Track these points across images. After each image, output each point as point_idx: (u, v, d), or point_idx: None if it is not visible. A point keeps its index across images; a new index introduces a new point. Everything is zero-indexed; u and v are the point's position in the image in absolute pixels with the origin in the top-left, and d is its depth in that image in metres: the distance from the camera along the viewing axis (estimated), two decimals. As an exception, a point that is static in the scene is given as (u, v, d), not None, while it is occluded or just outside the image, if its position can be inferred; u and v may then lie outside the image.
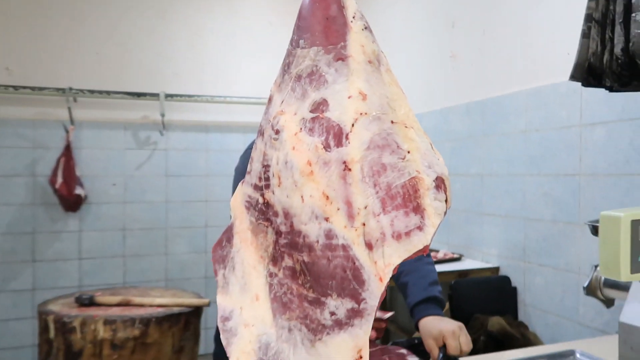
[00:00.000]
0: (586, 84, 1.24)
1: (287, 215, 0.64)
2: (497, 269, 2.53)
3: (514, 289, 2.41)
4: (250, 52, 3.72)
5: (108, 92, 3.31)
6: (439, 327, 1.23)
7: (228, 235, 0.74)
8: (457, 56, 2.88)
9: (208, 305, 2.20)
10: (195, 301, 2.17)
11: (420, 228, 0.59)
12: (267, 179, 0.67)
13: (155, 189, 3.53)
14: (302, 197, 0.62)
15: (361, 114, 0.63)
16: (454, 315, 2.38)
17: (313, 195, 0.61)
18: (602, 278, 1.19)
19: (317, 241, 0.61)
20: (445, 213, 0.61)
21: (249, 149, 1.19)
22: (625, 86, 1.15)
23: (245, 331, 0.66)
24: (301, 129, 0.65)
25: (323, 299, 0.60)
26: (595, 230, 1.19)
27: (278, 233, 0.65)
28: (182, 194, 3.59)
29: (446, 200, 0.61)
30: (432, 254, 2.81)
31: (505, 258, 2.49)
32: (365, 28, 0.67)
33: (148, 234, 3.51)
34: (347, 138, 0.62)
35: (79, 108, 3.35)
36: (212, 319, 3.47)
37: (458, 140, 2.86)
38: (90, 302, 2.07)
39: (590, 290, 1.20)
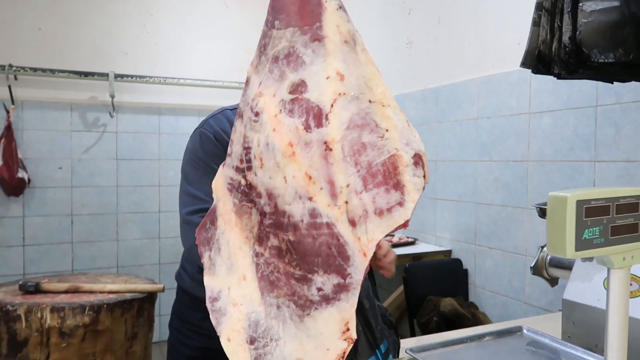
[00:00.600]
0: (536, 71, 1.29)
1: (270, 196, 0.65)
2: (449, 252, 2.62)
3: (465, 271, 2.50)
4: (205, 34, 3.63)
5: (52, 71, 3.15)
6: None
7: (212, 217, 0.74)
8: (412, 43, 2.92)
9: (162, 290, 2.16)
10: (148, 287, 2.12)
11: (400, 204, 0.61)
12: (249, 160, 0.68)
13: (104, 173, 3.41)
14: (284, 177, 0.63)
15: (339, 94, 0.64)
16: (408, 297, 2.45)
17: (296, 175, 0.63)
18: (548, 258, 1.25)
19: (302, 220, 0.62)
20: (423, 188, 0.63)
21: (198, 128, 1.16)
22: (572, 74, 1.20)
23: (234, 310, 0.67)
24: (281, 110, 0.65)
25: (310, 275, 0.61)
26: (542, 213, 1.25)
27: (262, 214, 0.66)
28: (134, 178, 3.48)
29: (424, 176, 0.62)
30: (387, 238, 2.87)
31: (458, 241, 2.58)
32: (340, 8, 0.67)
33: (98, 219, 3.40)
34: (326, 118, 0.63)
35: (21, 87, 3.17)
36: (166, 306, 3.41)
37: (414, 126, 2.91)
38: (36, 290, 1.98)
39: (536, 270, 1.26)
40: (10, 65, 3.05)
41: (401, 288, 2.60)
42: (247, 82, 0.73)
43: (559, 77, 1.23)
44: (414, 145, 0.63)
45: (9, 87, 3.08)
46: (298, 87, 0.65)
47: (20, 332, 1.82)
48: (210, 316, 0.70)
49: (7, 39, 3.15)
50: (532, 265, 1.26)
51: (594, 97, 1.82)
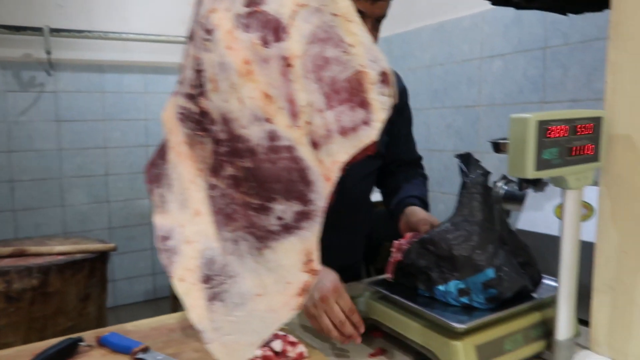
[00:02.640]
0: (495, 2, 1.26)
1: (225, 121, 0.60)
2: (404, 201, 2.65)
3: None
4: (145, -16, 3.41)
5: (-22, 26, 2.90)
6: (424, 217, 1.16)
7: (161, 152, 0.69)
8: (364, -8, 2.86)
9: (114, 249, 2.08)
10: (100, 246, 2.04)
11: (366, 122, 0.58)
12: (202, 85, 0.62)
13: (45, 136, 3.21)
14: (241, 99, 0.58)
15: (300, 5, 0.59)
16: (364, 245, 2.49)
17: (253, 95, 0.58)
18: (502, 193, 1.28)
19: (260, 144, 0.58)
20: (391, 108, 0.60)
21: None
22: (532, 2, 1.18)
23: (187, 248, 0.63)
24: (236, 25, 0.60)
25: (269, 204, 0.57)
26: (496, 148, 1.27)
27: (217, 142, 0.61)
28: (77, 140, 3.30)
29: (391, 95, 0.60)
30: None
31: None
32: None
33: (40, 185, 3.22)
34: (286, 32, 0.58)
35: (-57, 44, 2.91)
36: (120, 270, 3.33)
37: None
38: (-22, 256, 1.87)
39: (490, 204, 1.28)
40: None
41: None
42: (200, 1, 0.67)
43: (517, 6, 1.21)
44: (380, 62, 0.59)
45: None
46: (254, 0, 0.60)
47: (-39, 299, 1.72)
48: (162, 256, 0.65)
49: None
50: (486, 199, 1.29)
51: (543, 39, 1.85)
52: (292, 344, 0.90)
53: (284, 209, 0.58)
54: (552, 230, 1.10)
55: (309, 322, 0.95)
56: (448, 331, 0.81)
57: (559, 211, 1.14)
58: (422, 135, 2.49)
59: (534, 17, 1.79)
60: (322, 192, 0.58)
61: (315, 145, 0.58)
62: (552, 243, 1.06)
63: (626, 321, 0.85)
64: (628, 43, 0.81)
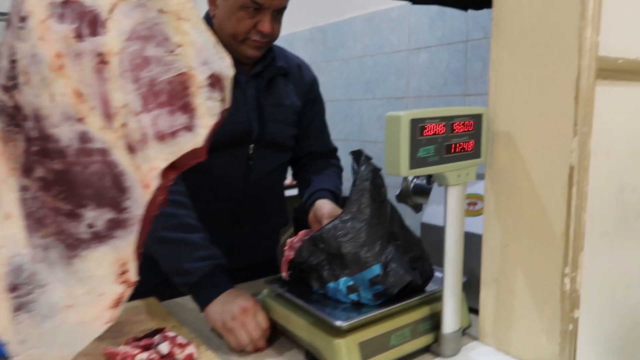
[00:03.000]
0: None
1: (37, 118, 0.55)
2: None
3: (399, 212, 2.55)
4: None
5: None
6: (329, 211, 1.15)
7: None
8: (299, -21, 2.82)
9: None
10: None
11: (188, 128, 0.54)
12: (16, 76, 0.57)
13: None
14: (52, 95, 0.53)
15: None
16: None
17: (64, 92, 0.53)
18: (412, 186, 1.29)
19: (70, 146, 0.53)
20: (221, 114, 0.57)
21: None
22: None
23: None
24: (50, 14, 0.55)
25: (79, 210, 0.53)
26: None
27: (29, 140, 0.56)
28: None
29: (223, 100, 0.57)
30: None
31: (346, 180, 2.62)
32: None
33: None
34: (104, 26, 0.54)
35: None
36: None
37: (302, 67, 2.86)
38: None
39: (401, 198, 1.30)
40: None
41: (292, 229, 2.62)
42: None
43: (414, 1, 1.21)
44: (214, 65, 0.55)
45: None
46: (71, -12, 0.55)
47: None
48: None
49: None
50: (396, 194, 1.30)
51: (464, 33, 1.88)
52: (181, 345, 0.87)
53: (96, 216, 0.54)
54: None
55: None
56: (332, 329, 0.80)
57: (460, 205, 1.16)
58: (356, 126, 2.50)
59: (456, 11, 1.81)
60: (139, 200, 0.54)
61: (131, 149, 0.54)
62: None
63: (508, 312, 0.88)
64: (508, 41, 0.82)
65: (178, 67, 0.54)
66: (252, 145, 1.19)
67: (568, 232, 0.77)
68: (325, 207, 1.18)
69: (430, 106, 2.06)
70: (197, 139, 0.54)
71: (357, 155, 0.92)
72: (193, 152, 0.55)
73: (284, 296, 0.92)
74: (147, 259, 1.28)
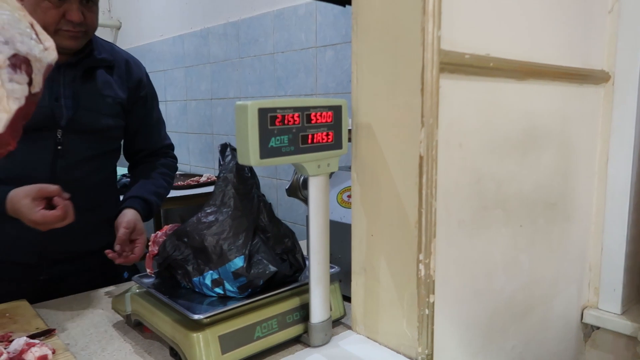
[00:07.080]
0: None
1: None
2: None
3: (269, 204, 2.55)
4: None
5: None
6: (128, 220, 1.19)
7: None
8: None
9: None
10: None
11: None
12: None
13: None
14: None
15: None
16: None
17: None
18: (301, 180, 1.30)
19: None
20: (30, 97, 0.54)
21: None
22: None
23: None
24: None
25: None
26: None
27: None
28: None
29: (30, 83, 0.53)
30: (195, 178, 2.80)
31: (261, 177, 2.61)
32: None
33: None
34: None
35: None
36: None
37: (217, 63, 2.82)
38: None
39: (291, 192, 1.30)
40: None
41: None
42: None
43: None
44: (20, 46, 0.52)
45: None
46: None
47: None
48: None
49: None
50: (286, 187, 1.30)
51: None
52: (34, 345, 0.82)
53: None
54: (335, 217, 1.13)
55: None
56: (191, 323, 0.79)
57: (341, 198, 1.18)
58: (269, 122, 2.49)
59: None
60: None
61: None
62: (335, 229, 1.09)
63: (375, 300, 0.90)
64: (365, 34, 0.84)
65: (-29, 46, 0.50)
66: (60, 131, 1.18)
67: (420, 220, 0.79)
68: (126, 216, 1.21)
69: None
70: (-6, 123, 0.50)
71: (223, 148, 0.90)
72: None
73: (150, 292, 0.89)
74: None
